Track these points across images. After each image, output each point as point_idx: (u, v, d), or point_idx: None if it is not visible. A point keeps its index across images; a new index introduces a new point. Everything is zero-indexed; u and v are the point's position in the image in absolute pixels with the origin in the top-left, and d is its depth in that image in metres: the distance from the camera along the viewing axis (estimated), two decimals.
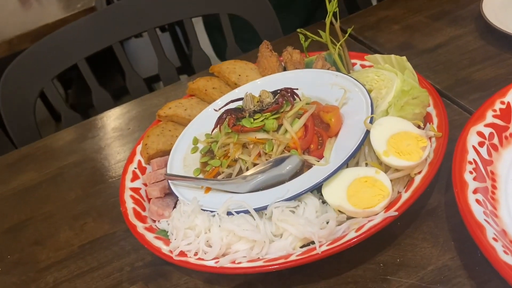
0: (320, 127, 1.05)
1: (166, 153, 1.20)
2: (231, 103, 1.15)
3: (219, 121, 1.10)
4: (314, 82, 1.17)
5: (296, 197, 0.92)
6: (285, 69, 1.33)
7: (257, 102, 1.07)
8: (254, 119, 1.05)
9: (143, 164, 1.19)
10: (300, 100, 1.09)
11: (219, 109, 1.18)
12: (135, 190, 1.12)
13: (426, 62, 1.33)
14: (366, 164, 0.97)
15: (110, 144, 1.45)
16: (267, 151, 1.02)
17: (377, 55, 1.16)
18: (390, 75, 1.06)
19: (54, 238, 1.17)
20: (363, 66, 1.27)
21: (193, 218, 0.94)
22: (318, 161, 0.99)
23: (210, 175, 1.08)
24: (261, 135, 1.03)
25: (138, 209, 1.06)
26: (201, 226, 0.93)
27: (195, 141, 1.19)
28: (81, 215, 1.21)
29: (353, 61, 1.29)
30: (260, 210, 0.93)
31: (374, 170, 0.92)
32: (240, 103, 1.12)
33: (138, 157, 1.21)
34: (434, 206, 0.94)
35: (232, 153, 1.06)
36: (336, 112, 1.03)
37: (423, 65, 1.31)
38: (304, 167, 1.00)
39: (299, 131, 1.03)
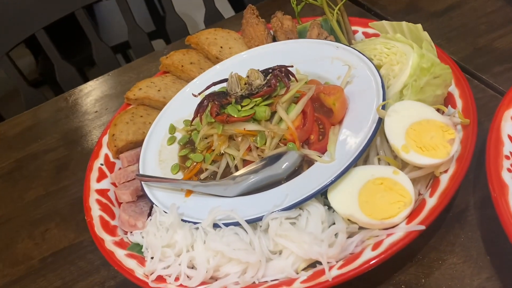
0: (321, 112, 0.88)
1: (138, 144, 1.02)
2: (213, 86, 0.96)
3: (200, 110, 0.91)
4: (311, 56, 1.00)
5: (297, 205, 0.75)
6: (274, 38, 1.15)
7: (245, 84, 0.89)
8: (242, 106, 0.87)
9: (111, 159, 1.01)
10: (297, 80, 0.91)
11: (199, 94, 0.99)
12: (102, 192, 0.94)
13: (436, 27, 1.15)
14: (379, 160, 0.81)
15: (75, 130, 1.26)
16: (259, 145, 0.85)
17: (384, 22, 0.99)
18: (404, 48, 0.88)
19: (10, 249, 1.01)
20: (366, 34, 1.09)
21: (172, 233, 0.77)
22: (321, 157, 0.82)
23: (191, 173, 0.91)
24: (251, 126, 0.86)
25: (106, 217, 0.89)
26: (182, 243, 0.76)
27: (172, 129, 1.01)
28: (42, 220, 1.05)
29: (353, 28, 1.11)
30: (253, 222, 0.76)
31: (391, 170, 0.76)
32: (224, 85, 0.93)
33: (105, 150, 1.02)
34: (462, 209, 0.79)
35: (216, 146, 0.89)
36: (340, 95, 0.86)
37: (433, 31, 1.11)
38: (304, 163, 0.84)
39: (296, 119, 0.86)
